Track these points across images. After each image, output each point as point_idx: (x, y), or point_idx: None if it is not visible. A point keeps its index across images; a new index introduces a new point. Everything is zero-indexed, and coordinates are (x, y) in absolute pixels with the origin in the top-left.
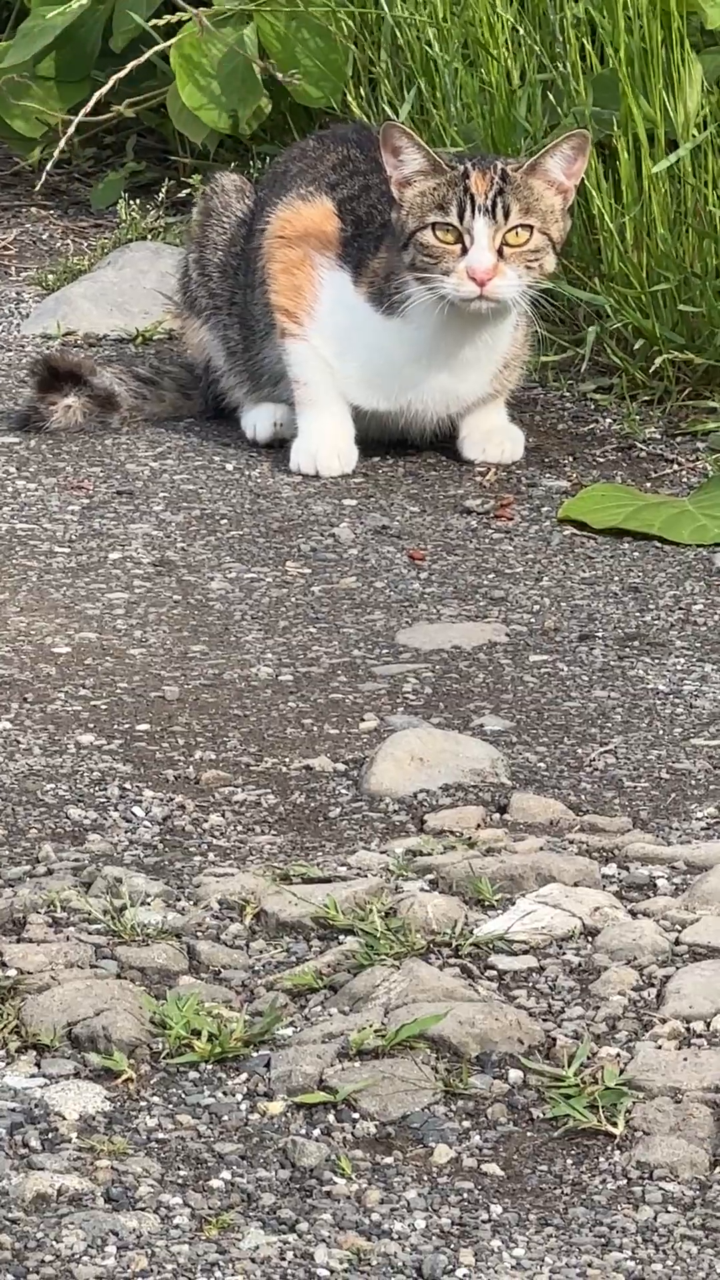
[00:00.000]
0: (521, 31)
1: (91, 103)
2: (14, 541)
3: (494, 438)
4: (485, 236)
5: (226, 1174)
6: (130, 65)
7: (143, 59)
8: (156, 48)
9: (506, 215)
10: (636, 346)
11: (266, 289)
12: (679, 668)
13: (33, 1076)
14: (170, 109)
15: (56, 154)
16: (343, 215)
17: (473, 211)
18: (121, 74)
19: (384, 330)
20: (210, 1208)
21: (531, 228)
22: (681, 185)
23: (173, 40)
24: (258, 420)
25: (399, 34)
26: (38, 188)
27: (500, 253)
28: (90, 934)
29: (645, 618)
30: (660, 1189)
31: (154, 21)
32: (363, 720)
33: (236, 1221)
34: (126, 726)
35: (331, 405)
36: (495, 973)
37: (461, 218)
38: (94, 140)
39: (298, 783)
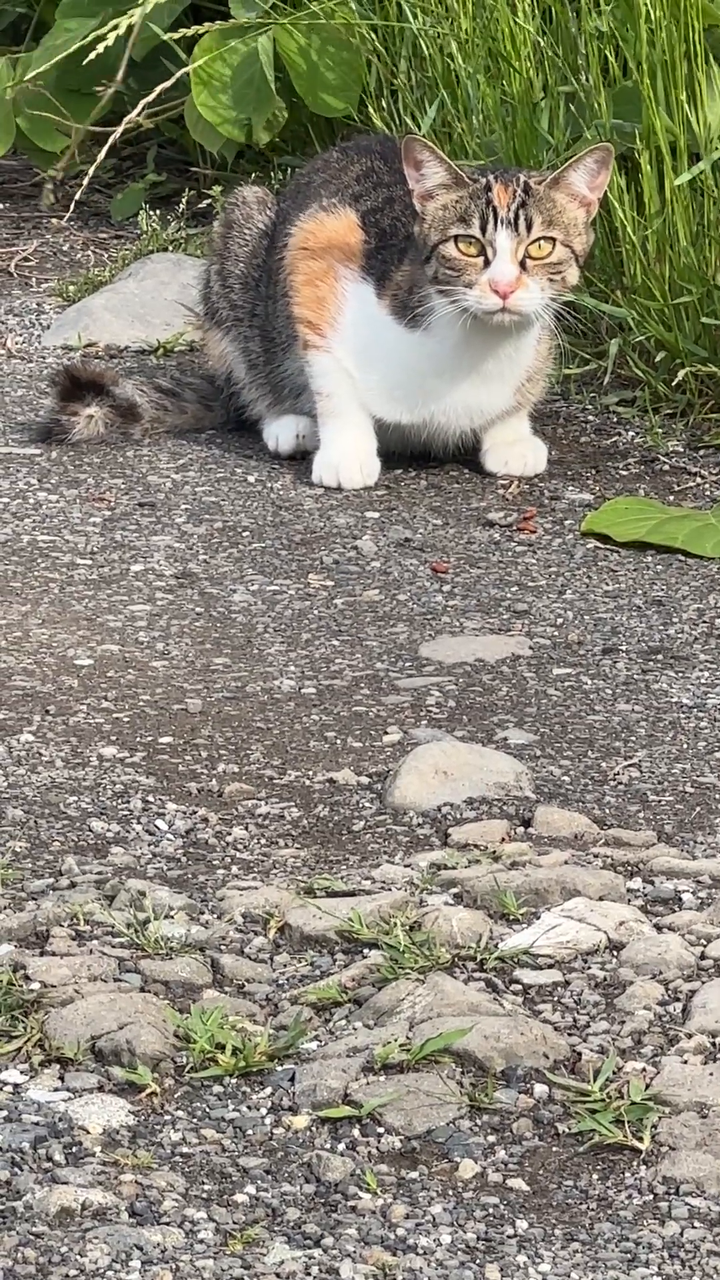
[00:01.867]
0: (544, 44)
1: (121, 128)
2: (36, 554)
3: (517, 450)
4: (508, 249)
5: (251, 1188)
6: (159, 88)
7: (172, 80)
8: (183, 70)
9: (529, 227)
10: (659, 359)
11: (289, 300)
12: (703, 681)
13: (56, 1090)
14: (187, 119)
15: (88, 179)
16: (366, 227)
17: (495, 224)
18: (151, 97)
19: (407, 343)
20: (235, 1222)
21: (554, 240)
22: (704, 198)
23: (198, 61)
24: (280, 432)
25: (422, 45)
26: (51, 203)
27: (523, 265)
28: (114, 947)
29: (669, 631)
30: (686, 1204)
31: (173, 34)
32: (386, 733)
33: (261, 1236)
34: (149, 739)
35: (354, 417)
36: (520, 987)
37: (484, 229)
38: (114, 151)
39: (321, 796)
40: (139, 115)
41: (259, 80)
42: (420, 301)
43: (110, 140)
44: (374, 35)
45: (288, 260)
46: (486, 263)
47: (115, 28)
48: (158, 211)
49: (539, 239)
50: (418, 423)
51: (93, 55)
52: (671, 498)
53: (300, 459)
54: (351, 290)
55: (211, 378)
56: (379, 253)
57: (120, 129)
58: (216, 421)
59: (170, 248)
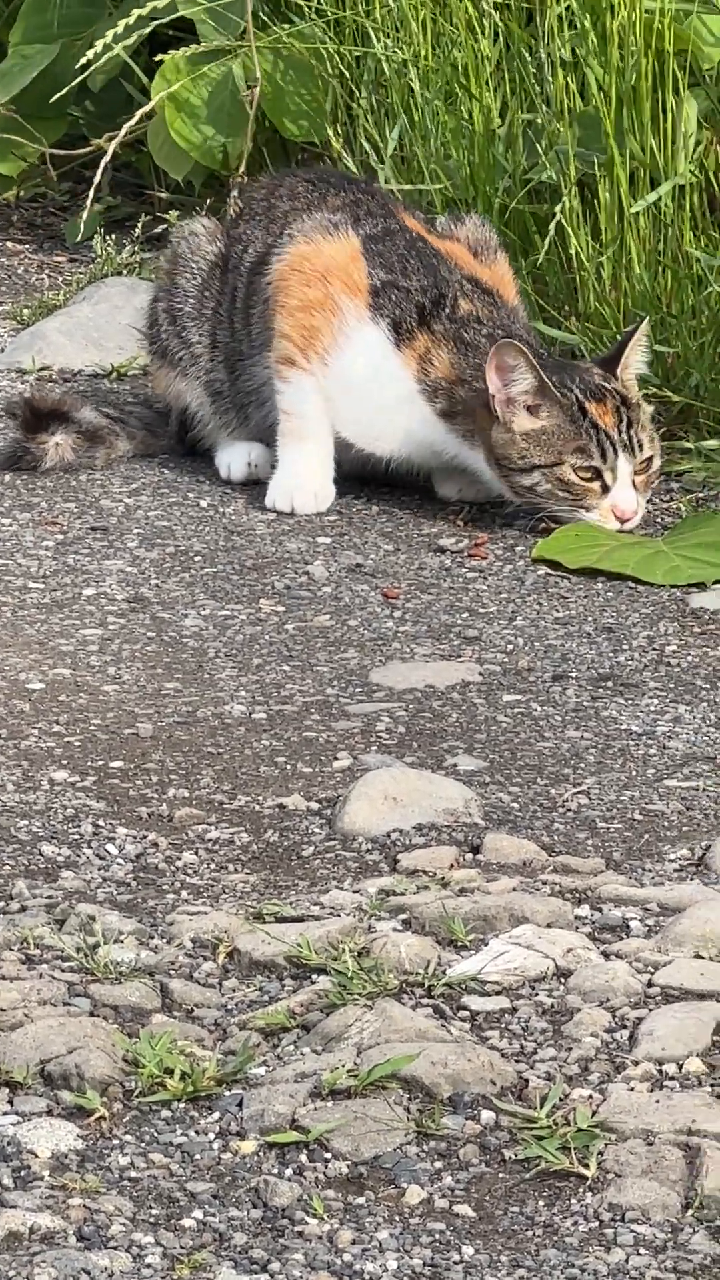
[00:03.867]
0: (505, 71)
1: (103, 160)
2: None
3: (469, 478)
4: (627, 474)
5: (198, 1213)
6: (140, 112)
7: (149, 105)
8: (159, 95)
9: (641, 447)
10: None
11: (273, 314)
12: (652, 708)
13: (5, 1114)
14: (151, 144)
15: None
16: (370, 256)
17: (614, 450)
18: (132, 121)
19: (431, 426)
20: (182, 1247)
21: (654, 457)
22: (664, 227)
23: (172, 87)
24: (232, 460)
25: (385, 68)
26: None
27: (633, 483)
28: (63, 971)
29: (619, 658)
30: (632, 1231)
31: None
32: (336, 759)
33: (208, 1261)
34: (100, 763)
35: (317, 442)
36: (468, 1013)
37: (604, 458)
38: (70, 174)
39: (271, 821)
40: (106, 142)
41: (230, 105)
42: (521, 468)
43: (99, 168)
44: (336, 59)
45: (278, 277)
46: (604, 488)
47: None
48: (113, 235)
49: (648, 458)
50: (396, 459)
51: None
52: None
53: (253, 484)
54: (356, 331)
55: (162, 409)
56: (388, 292)
57: (103, 161)
58: (161, 448)
59: (125, 272)
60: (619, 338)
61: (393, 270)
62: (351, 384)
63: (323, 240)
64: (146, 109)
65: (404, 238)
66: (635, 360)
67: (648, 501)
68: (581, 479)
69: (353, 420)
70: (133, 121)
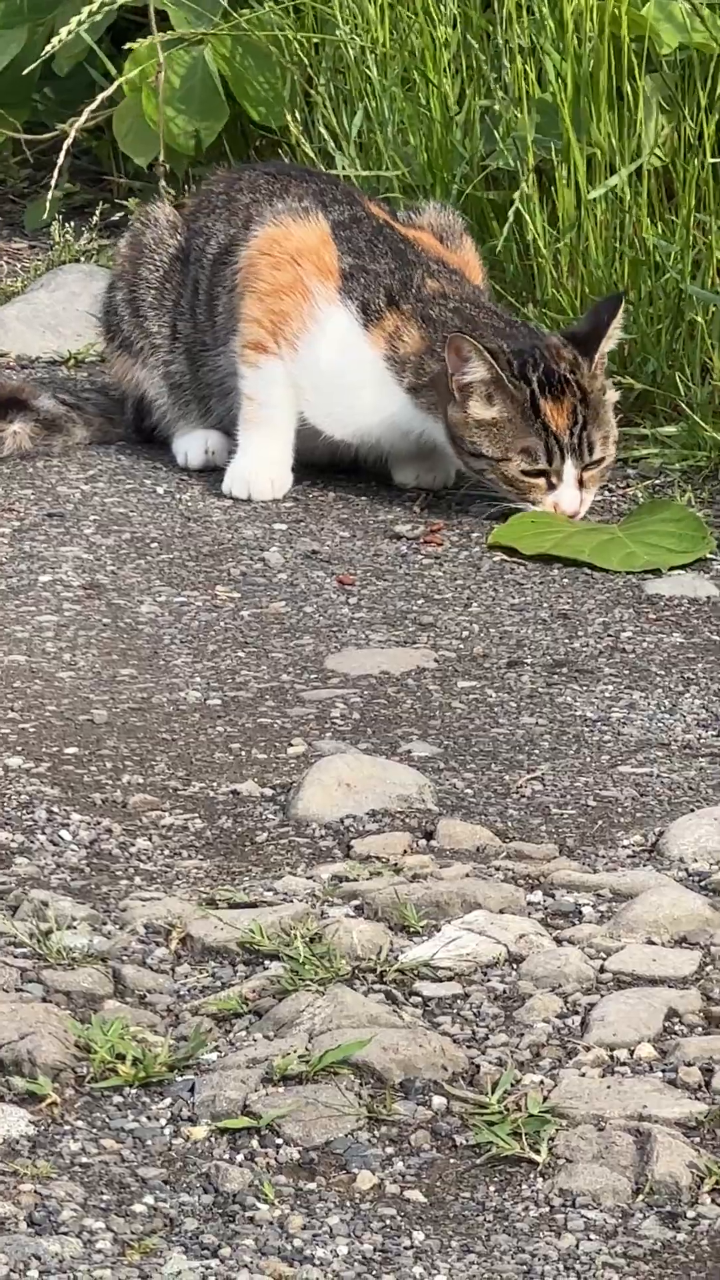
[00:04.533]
0: (464, 57)
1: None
2: None
3: (426, 464)
4: (572, 476)
5: (149, 1199)
6: (100, 96)
7: (111, 88)
8: (121, 79)
9: (590, 450)
10: None
11: (241, 299)
12: (607, 695)
13: None
14: (116, 130)
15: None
16: (339, 240)
17: (561, 455)
18: (94, 104)
19: (399, 402)
20: (133, 1232)
21: (605, 456)
22: (621, 213)
23: (136, 69)
24: (189, 448)
25: (344, 54)
26: None
27: (580, 481)
28: (16, 957)
29: (574, 644)
30: (583, 1216)
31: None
32: (290, 745)
33: (159, 1246)
34: (54, 749)
35: (278, 429)
36: (420, 999)
37: (550, 461)
38: (29, 161)
39: (225, 807)
40: (69, 128)
41: (203, 91)
42: (472, 452)
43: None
44: (296, 46)
45: (246, 262)
46: (550, 485)
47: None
48: (71, 222)
49: (598, 460)
50: (365, 444)
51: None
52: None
53: (210, 471)
54: (326, 313)
55: (118, 396)
56: (358, 275)
57: (65, 144)
58: (118, 435)
59: (83, 259)
60: (599, 312)
61: (361, 254)
62: (321, 367)
63: (293, 224)
64: (110, 90)
65: (371, 223)
66: (607, 347)
67: (604, 488)
68: (527, 477)
69: (322, 405)
70: (94, 105)
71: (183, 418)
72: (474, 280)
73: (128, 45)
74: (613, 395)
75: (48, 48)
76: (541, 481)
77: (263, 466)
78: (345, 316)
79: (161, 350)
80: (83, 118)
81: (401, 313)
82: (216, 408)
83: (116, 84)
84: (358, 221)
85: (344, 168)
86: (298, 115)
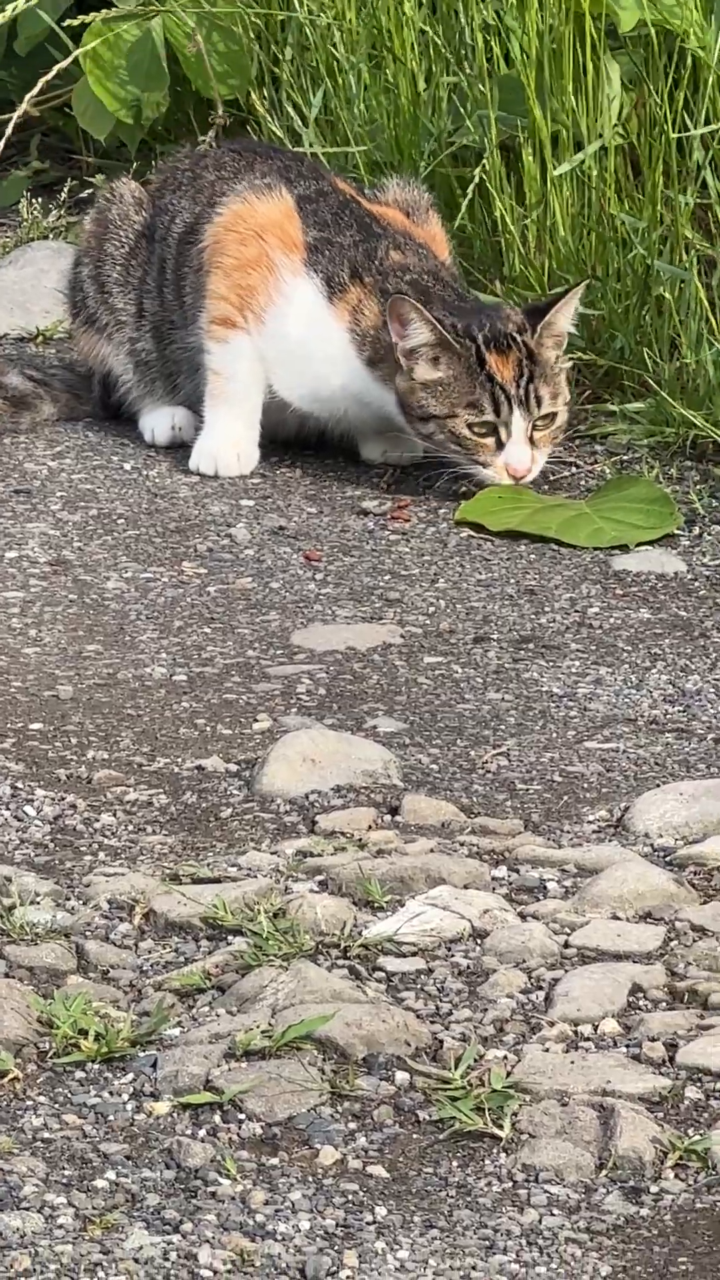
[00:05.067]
0: (429, 33)
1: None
2: None
3: (393, 440)
4: (521, 429)
5: (111, 1174)
6: (55, 68)
7: (66, 62)
8: (74, 53)
9: (539, 403)
10: None
11: (207, 275)
12: (574, 670)
13: None
14: (75, 107)
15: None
16: (304, 214)
17: (509, 405)
18: (49, 76)
19: (358, 375)
20: (94, 1208)
21: (557, 411)
22: (585, 189)
23: (86, 47)
24: (156, 424)
25: (308, 33)
26: None
27: (531, 439)
28: None
29: (541, 620)
30: (546, 1192)
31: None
32: (256, 721)
33: (120, 1222)
34: (19, 725)
35: (245, 405)
36: (383, 974)
37: (498, 412)
38: None
39: (190, 783)
40: (29, 105)
41: (150, 63)
42: (420, 415)
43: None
44: (259, 22)
45: (211, 238)
46: (499, 444)
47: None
48: (39, 199)
49: (547, 414)
50: (332, 417)
51: None
52: (546, 487)
53: (177, 448)
54: (291, 285)
55: (85, 372)
56: (323, 249)
57: (13, 117)
58: (87, 411)
59: (51, 236)
60: (559, 291)
61: (326, 228)
62: (287, 340)
63: (257, 200)
64: (62, 65)
65: (336, 198)
66: (563, 319)
67: (572, 464)
68: (475, 434)
69: (289, 378)
70: (50, 75)
71: (149, 394)
72: (440, 255)
73: (78, 20)
74: (565, 364)
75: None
76: (490, 441)
77: (229, 443)
78: (310, 289)
79: (127, 327)
80: (37, 87)
81: (364, 285)
82: (184, 385)
83: (68, 60)
84: (323, 195)
85: (310, 145)
86: (265, 93)
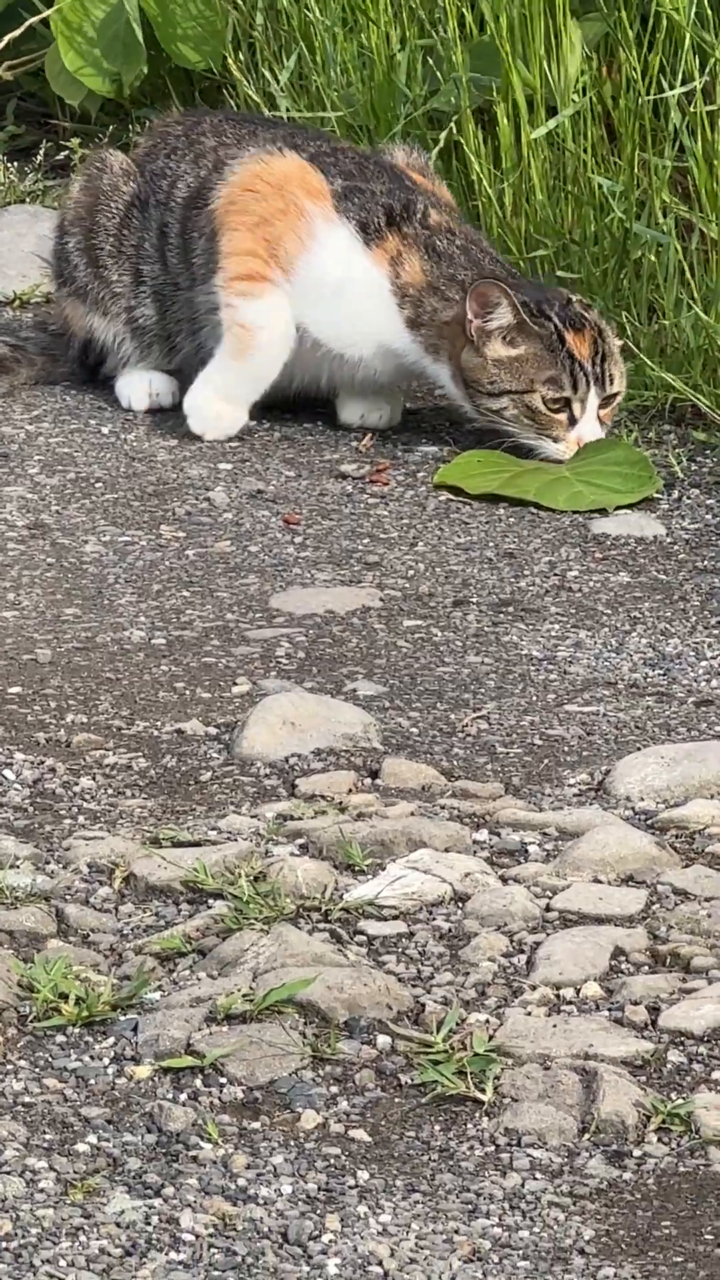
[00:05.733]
0: None
1: None
2: None
3: (372, 403)
4: (594, 407)
5: (93, 1138)
6: (10, 35)
7: (23, 27)
8: (38, 16)
9: (611, 382)
10: None
11: (224, 236)
12: (553, 634)
13: None
14: (49, 72)
15: None
16: (322, 167)
17: (586, 382)
18: (14, 34)
19: (397, 330)
20: (76, 1172)
21: (620, 391)
22: (561, 152)
23: (54, 8)
24: (132, 389)
25: None
26: None
27: (598, 416)
28: None
29: (520, 584)
30: (528, 1155)
31: None
32: (235, 684)
33: (102, 1186)
34: None
35: (268, 367)
36: (365, 938)
37: (575, 389)
38: None
39: (169, 746)
40: (1, 70)
41: (126, 33)
42: (482, 389)
43: None
44: None
45: (224, 201)
46: (571, 419)
47: None
48: (15, 164)
49: (614, 393)
50: (365, 361)
51: None
52: (526, 451)
53: (156, 412)
54: (323, 230)
55: (59, 332)
56: (351, 195)
57: None
58: (64, 374)
59: (28, 199)
60: None
61: (351, 176)
62: (323, 284)
63: (270, 158)
64: (18, 33)
65: (353, 152)
66: None
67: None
68: (550, 409)
69: (325, 317)
70: (16, 34)
71: (144, 359)
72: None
73: None
74: (618, 341)
75: None
76: (563, 416)
77: (227, 404)
78: (345, 233)
79: (123, 298)
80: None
81: (404, 237)
82: (185, 345)
83: (25, 24)
84: (336, 151)
85: (286, 109)
86: (241, 57)
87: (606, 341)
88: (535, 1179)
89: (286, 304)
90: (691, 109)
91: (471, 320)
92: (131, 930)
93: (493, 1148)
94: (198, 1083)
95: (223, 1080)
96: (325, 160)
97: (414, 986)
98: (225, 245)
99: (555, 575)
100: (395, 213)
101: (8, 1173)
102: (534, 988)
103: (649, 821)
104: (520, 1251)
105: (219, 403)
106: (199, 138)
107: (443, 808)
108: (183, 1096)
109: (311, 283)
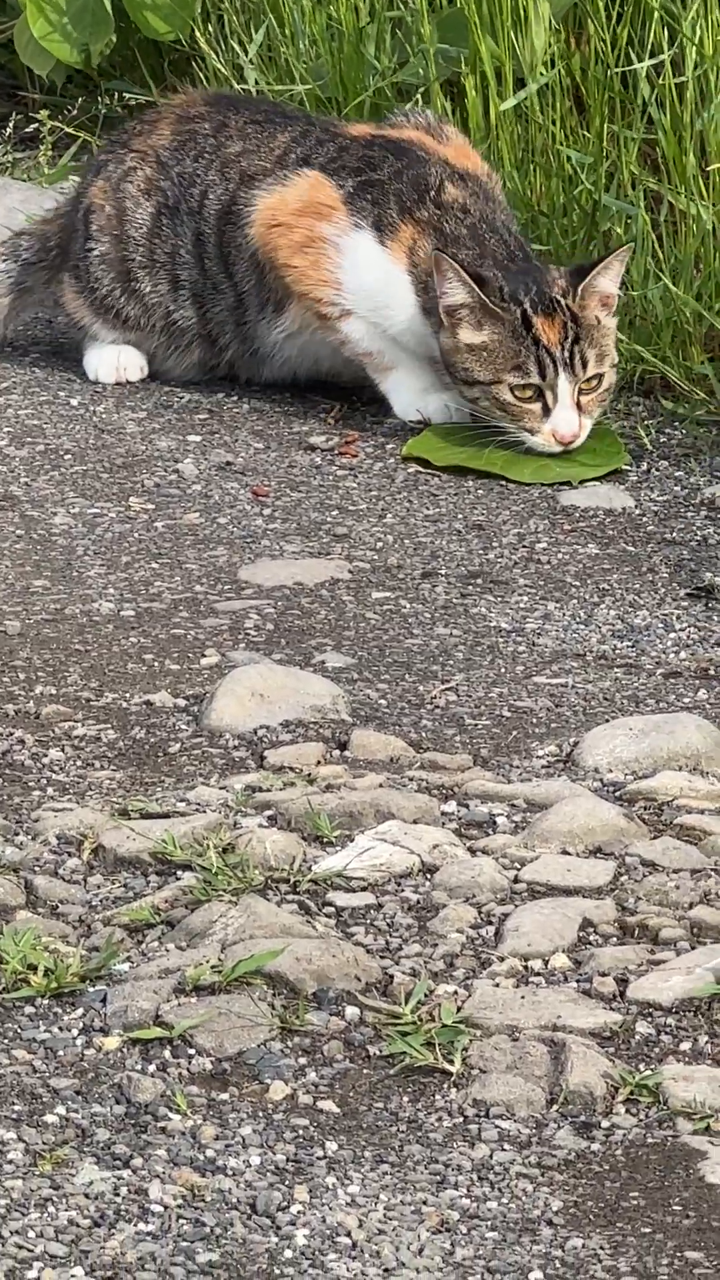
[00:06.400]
0: None
1: None
2: None
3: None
4: (567, 393)
5: (61, 1109)
6: None
7: None
8: None
9: (584, 365)
10: None
11: (284, 280)
12: (521, 606)
13: None
14: (18, 42)
15: None
16: (334, 174)
17: (554, 368)
18: None
19: (417, 318)
20: (44, 1143)
21: (603, 374)
22: (529, 124)
23: None
24: (100, 363)
25: None
26: None
27: (578, 404)
28: None
29: (488, 555)
30: (496, 1127)
31: None
32: (204, 656)
33: (70, 1157)
34: None
35: (410, 356)
36: (333, 909)
37: (543, 375)
38: None
39: (138, 718)
40: None
41: (95, 3)
42: (462, 378)
43: None
44: None
45: (259, 243)
46: (545, 409)
47: None
48: None
49: (593, 376)
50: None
51: None
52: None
53: (124, 385)
54: (345, 243)
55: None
56: (360, 194)
57: None
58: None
59: None
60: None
61: (358, 172)
62: (368, 292)
63: (283, 189)
64: None
65: (360, 144)
66: (606, 281)
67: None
68: (520, 398)
69: (383, 319)
70: None
71: (181, 358)
72: (480, 173)
73: None
74: (611, 323)
75: None
76: (536, 407)
77: (416, 394)
78: (364, 238)
79: (159, 309)
80: None
81: (417, 222)
82: (231, 344)
83: None
84: (345, 150)
85: (255, 82)
86: (209, 29)
87: (581, 326)
88: (503, 1150)
89: (366, 319)
90: (660, 81)
91: (438, 295)
92: (100, 901)
93: (461, 1119)
94: (166, 1054)
95: (191, 1051)
96: (332, 165)
97: (382, 958)
98: (293, 289)
99: (524, 547)
100: (406, 199)
101: None
102: (502, 959)
103: (617, 793)
104: (488, 1222)
105: (422, 395)
106: (225, 141)
107: (411, 779)
108: (151, 1068)
109: (360, 294)
